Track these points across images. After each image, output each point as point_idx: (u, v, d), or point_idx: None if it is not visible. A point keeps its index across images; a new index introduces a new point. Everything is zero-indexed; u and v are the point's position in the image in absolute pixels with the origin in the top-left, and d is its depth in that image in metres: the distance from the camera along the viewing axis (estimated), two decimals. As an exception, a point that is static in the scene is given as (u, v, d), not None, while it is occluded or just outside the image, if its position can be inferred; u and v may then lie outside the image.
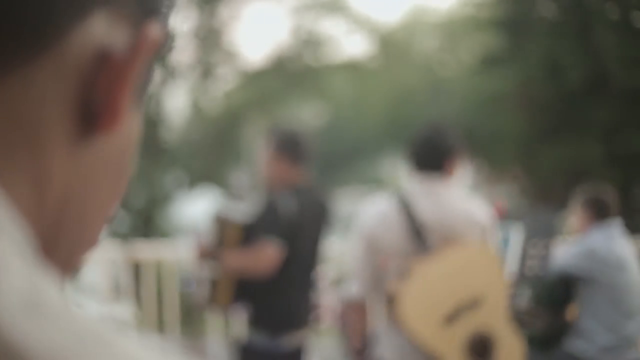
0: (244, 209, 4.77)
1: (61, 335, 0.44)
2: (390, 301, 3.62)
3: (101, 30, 0.51)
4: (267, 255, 4.44)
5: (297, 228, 4.56)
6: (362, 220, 3.84)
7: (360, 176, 51.52)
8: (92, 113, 0.52)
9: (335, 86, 32.05)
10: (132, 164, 0.58)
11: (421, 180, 3.83)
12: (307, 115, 41.65)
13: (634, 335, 5.09)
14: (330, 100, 28.45)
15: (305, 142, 4.74)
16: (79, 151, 0.52)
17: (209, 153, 22.35)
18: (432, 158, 3.83)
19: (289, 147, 4.66)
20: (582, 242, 5.12)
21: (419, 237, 3.69)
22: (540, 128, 24.64)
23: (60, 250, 0.53)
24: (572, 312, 5.26)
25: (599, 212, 5.18)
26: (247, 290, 4.65)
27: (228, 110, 23.12)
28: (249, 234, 4.54)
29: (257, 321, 4.64)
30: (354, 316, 4.00)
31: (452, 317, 3.68)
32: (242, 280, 4.64)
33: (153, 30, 0.54)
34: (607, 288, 5.00)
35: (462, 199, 3.86)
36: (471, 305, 3.72)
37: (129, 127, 0.56)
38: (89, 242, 0.56)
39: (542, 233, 4.66)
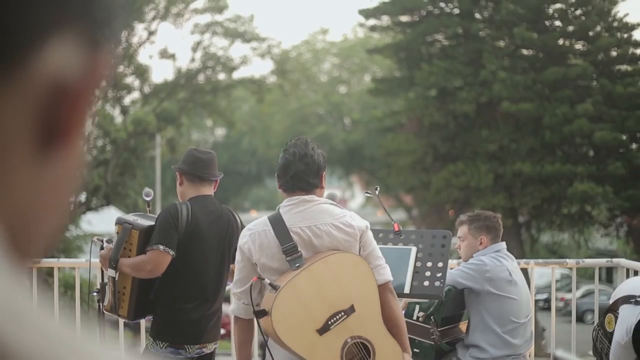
0: (148, 218, 4.87)
1: (40, 340, 0.49)
2: (262, 315, 3.66)
3: (58, 58, 0.53)
4: (151, 260, 4.56)
5: (196, 238, 4.67)
6: (241, 240, 3.90)
7: (259, 201, 51.40)
8: (50, 134, 0.55)
9: (238, 105, 32.09)
10: (75, 189, 0.61)
11: (291, 199, 3.90)
12: (210, 132, 41.52)
13: (523, 346, 5.34)
14: (234, 118, 28.36)
15: (211, 159, 4.91)
16: (38, 166, 0.55)
17: (116, 171, 22.22)
18: (299, 179, 3.88)
19: (195, 164, 4.82)
20: (472, 260, 5.38)
21: (292, 252, 3.75)
22: (433, 152, 25.19)
23: (19, 249, 0.56)
24: (466, 324, 5.50)
25: (487, 235, 5.46)
26: (148, 301, 4.74)
27: (134, 128, 23.00)
28: (149, 239, 4.64)
29: (158, 333, 4.74)
30: (236, 331, 4.05)
31: (326, 327, 3.69)
32: (144, 291, 4.72)
33: (106, 57, 0.58)
34: (497, 301, 5.24)
35: (333, 211, 3.90)
36: (345, 313, 3.73)
37: (80, 147, 0.59)
38: (44, 242, 0.59)
39: (434, 253, 4.84)
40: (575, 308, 7.06)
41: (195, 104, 26.41)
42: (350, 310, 3.75)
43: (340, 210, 3.94)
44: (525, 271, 6.67)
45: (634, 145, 25.82)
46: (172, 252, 4.56)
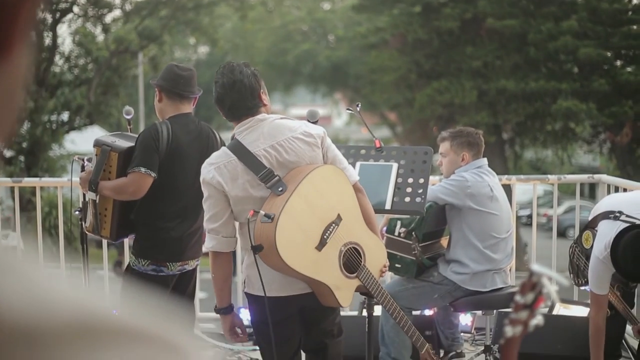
0: (127, 138, 4.83)
1: None
2: (259, 250, 3.66)
3: None
4: (133, 182, 4.55)
5: (177, 158, 4.65)
6: (207, 175, 3.84)
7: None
8: None
9: (221, 22, 31.77)
10: (23, 96, 0.62)
11: (243, 123, 3.90)
12: (193, 51, 41.17)
13: (503, 261, 5.41)
14: (217, 36, 28.10)
15: (191, 76, 4.84)
16: None
17: (98, 90, 22.12)
18: (237, 107, 3.90)
19: (174, 81, 4.77)
20: (454, 177, 5.39)
21: (269, 178, 3.76)
22: (417, 69, 25.07)
23: None
24: (447, 240, 5.54)
25: (469, 151, 5.46)
26: (130, 221, 4.75)
27: (116, 47, 22.81)
28: (129, 161, 4.62)
29: (140, 251, 4.76)
30: (218, 268, 3.96)
31: (323, 242, 3.77)
32: (125, 211, 4.72)
33: None
34: (478, 217, 5.29)
35: (289, 125, 3.92)
36: (335, 224, 3.82)
37: (20, 61, 0.58)
38: None
39: (415, 169, 4.85)
40: (558, 224, 7.12)
41: (177, 22, 26.10)
42: (339, 219, 3.84)
43: (295, 123, 3.96)
44: (508, 187, 6.70)
45: (618, 62, 25.76)
46: (153, 174, 4.55)
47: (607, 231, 5.03)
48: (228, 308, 4.03)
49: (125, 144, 4.72)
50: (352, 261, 3.93)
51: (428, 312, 5.82)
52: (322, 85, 37.20)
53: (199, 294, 9.32)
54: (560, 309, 6.44)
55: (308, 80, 37.18)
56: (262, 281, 3.76)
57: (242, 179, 3.78)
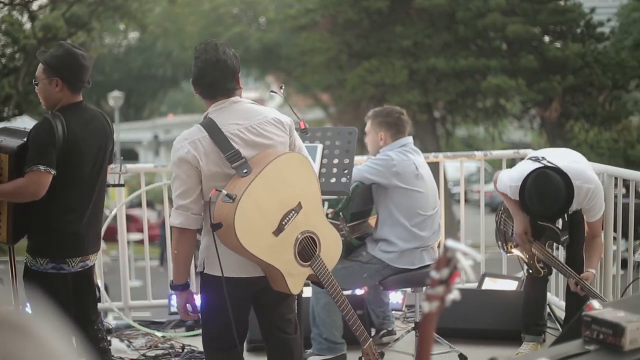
0: (14, 135, 4.54)
1: None
2: (218, 228, 3.69)
3: None
4: (32, 182, 4.29)
5: (74, 151, 4.42)
6: (181, 150, 3.83)
7: (176, 104, 50.86)
8: None
9: (150, 7, 31.42)
10: None
11: (218, 104, 3.92)
12: (123, 37, 40.70)
13: (431, 238, 5.46)
14: (146, 21, 27.78)
15: (82, 63, 4.53)
16: None
17: (27, 79, 21.74)
18: (216, 86, 3.91)
19: (80, 73, 4.51)
20: (379, 156, 5.42)
21: (236, 158, 3.78)
22: (347, 50, 25.12)
23: None
24: (375, 219, 5.57)
25: (386, 131, 5.50)
26: (26, 220, 4.51)
27: (43, 34, 22.44)
28: (22, 160, 4.35)
29: (37, 249, 4.52)
30: (181, 245, 3.95)
31: (280, 227, 3.80)
32: (20, 211, 4.48)
33: None
34: (405, 195, 5.32)
35: (260, 109, 3.97)
36: (295, 211, 3.86)
37: None
38: None
39: (340, 150, 4.86)
40: (491, 200, 7.21)
41: (105, 7, 25.74)
42: (299, 207, 3.87)
43: (265, 108, 4.02)
44: (437, 165, 6.76)
45: (546, 38, 26.10)
46: (53, 171, 4.31)
47: (525, 167, 5.27)
48: (185, 284, 4.03)
49: (13, 142, 4.42)
50: (307, 250, 3.95)
51: (359, 292, 5.85)
52: (254, 68, 37.02)
53: (133, 283, 9.30)
54: (489, 284, 6.53)
55: (240, 64, 36.99)
56: (220, 261, 3.77)
57: (213, 155, 3.80)
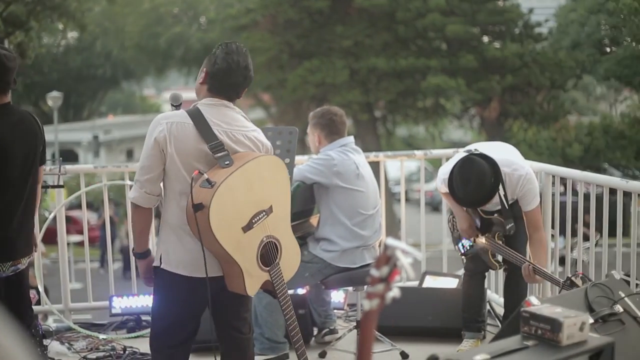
0: None
1: None
2: (198, 209, 3.68)
3: None
4: None
5: (1, 153, 4.33)
6: (157, 127, 3.83)
7: (116, 105, 50.35)
8: None
9: (89, 6, 31.06)
10: None
11: (214, 100, 3.94)
12: (61, 36, 40.17)
13: (372, 237, 5.49)
14: (85, 20, 27.45)
15: (6, 64, 4.43)
16: None
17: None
18: (234, 90, 3.96)
19: (5, 74, 4.40)
20: (320, 155, 5.44)
21: (219, 149, 3.81)
22: (288, 50, 25.11)
23: None
24: (316, 218, 5.58)
25: (321, 132, 5.52)
26: None
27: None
28: None
29: None
30: (136, 219, 3.97)
31: (250, 225, 3.81)
32: None
33: None
34: (346, 194, 5.35)
35: (245, 122, 4.01)
36: (265, 213, 3.88)
37: None
38: None
39: (281, 150, 4.87)
40: (432, 199, 7.25)
41: (44, 7, 25.40)
42: (269, 210, 3.90)
43: (250, 123, 4.04)
44: (377, 164, 6.79)
45: (485, 38, 26.36)
46: None
47: (455, 158, 5.35)
48: (146, 252, 4.06)
49: None
50: (268, 255, 3.96)
51: (301, 291, 5.86)
52: (195, 68, 36.84)
53: (73, 285, 9.20)
54: (430, 281, 6.59)
55: (180, 64, 36.77)
56: (205, 261, 3.79)
57: (187, 142, 3.81)
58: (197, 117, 3.85)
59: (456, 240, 5.76)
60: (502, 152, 5.42)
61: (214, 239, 3.71)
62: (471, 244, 5.60)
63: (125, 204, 6.12)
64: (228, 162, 3.79)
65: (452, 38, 24.57)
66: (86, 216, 6.89)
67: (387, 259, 2.31)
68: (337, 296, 6.36)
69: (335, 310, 6.14)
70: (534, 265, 5.21)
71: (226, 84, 3.94)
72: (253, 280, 3.91)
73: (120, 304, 6.30)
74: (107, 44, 39.09)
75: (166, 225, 3.90)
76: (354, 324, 5.66)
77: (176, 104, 4.14)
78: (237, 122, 3.96)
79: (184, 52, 35.06)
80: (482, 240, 5.53)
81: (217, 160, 3.80)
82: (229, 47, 3.97)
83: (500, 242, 5.51)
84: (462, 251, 5.69)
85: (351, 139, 5.56)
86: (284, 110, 27.95)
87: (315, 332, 5.92)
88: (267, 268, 3.97)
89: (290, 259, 4.11)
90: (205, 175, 3.71)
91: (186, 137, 3.81)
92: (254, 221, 3.83)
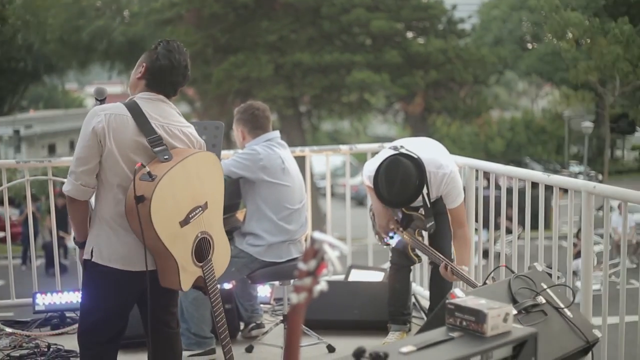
0: None
1: None
2: (139, 201, 3.67)
3: None
4: None
5: None
6: (94, 119, 3.80)
7: (38, 99, 49.50)
8: None
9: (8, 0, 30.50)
10: None
11: (151, 94, 3.94)
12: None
13: (298, 231, 5.49)
14: (6, 13, 26.94)
15: None
16: None
17: None
18: (172, 87, 3.99)
19: None
20: (245, 150, 5.42)
21: (158, 143, 3.81)
22: (213, 44, 24.97)
23: None
24: (243, 213, 5.56)
25: (244, 127, 5.51)
26: None
27: None
28: None
29: None
30: (74, 211, 3.93)
31: (187, 220, 3.84)
32: None
33: None
34: (272, 189, 5.34)
35: (180, 118, 4.04)
36: (201, 208, 3.91)
37: None
38: None
39: (207, 144, 4.84)
40: (358, 193, 7.28)
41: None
42: (205, 206, 3.94)
43: (184, 120, 4.07)
44: (303, 159, 6.79)
45: (409, 34, 26.56)
46: None
47: (381, 155, 5.40)
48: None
49: None
50: (201, 250, 3.99)
51: (227, 286, 5.84)
52: (118, 62, 36.41)
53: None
54: (356, 275, 6.62)
55: (103, 57, 36.27)
56: (145, 254, 3.78)
57: (125, 135, 3.79)
58: (135, 110, 3.85)
59: (379, 233, 5.80)
60: (428, 150, 5.47)
61: (154, 232, 3.71)
62: (392, 235, 5.65)
63: (49, 200, 6.02)
64: (167, 156, 3.80)
65: (376, 33, 24.69)
66: (8, 212, 6.77)
67: (315, 252, 2.31)
68: (263, 290, 6.35)
69: (261, 305, 6.13)
70: (451, 266, 5.29)
71: (167, 81, 3.96)
72: (187, 275, 3.92)
73: (44, 300, 6.20)
74: (28, 37, 38.38)
75: (100, 218, 3.87)
76: (281, 318, 5.66)
77: (101, 98, 4.11)
78: (173, 117, 3.97)
79: (107, 46, 34.59)
80: (403, 234, 5.58)
81: (155, 154, 3.80)
82: (171, 45, 3.99)
83: (420, 238, 5.58)
84: (387, 241, 5.74)
85: (277, 133, 5.55)
86: (209, 104, 27.79)
87: (241, 327, 5.91)
88: (201, 264, 3.99)
89: (221, 255, 4.14)
90: (147, 168, 3.70)
91: (125, 130, 3.80)
92: (190, 216, 3.86)
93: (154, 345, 4.09)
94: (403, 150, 5.36)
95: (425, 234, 5.65)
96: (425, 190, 5.32)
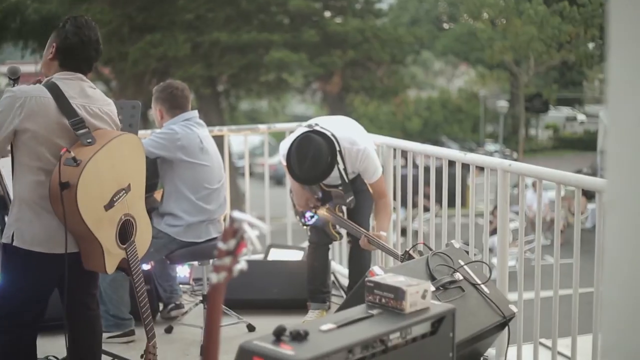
0: None
1: None
2: (64, 187, 3.64)
3: None
4: None
5: None
6: (14, 93, 3.74)
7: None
8: None
9: None
10: None
11: (69, 74, 3.89)
12: None
13: (217, 211, 5.47)
14: None
15: None
16: None
17: None
18: (87, 63, 3.94)
19: None
20: (163, 129, 5.37)
21: (80, 126, 3.76)
22: (129, 23, 24.63)
23: None
24: (160, 193, 5.51)
25: (162, 106, 5.45)
26: None
27: None
28: None
29: None
30: None
31: (111, 203, 3.84)
32: None
33: None
34: (190, 169, 5.31)
35: (101, 96, 4.01)
36: (125, 191, 3.92)
37: None
38: None
39: (124, 124, 4.79)
40: (273, 172, 7.27)
41: None
42: (128, 189, 3.97)
43: (105, 97, 4.04)
44: (222, 138, 6.76)
45: (327, 13, 26.59)
46: None
47: (296, 133, 5.43)
48: None
49: None
50: (125, 232, 4.00)
51: (146, 267, 5.79)
52: (32, 40, 35.66)
53: None
54: (275, 254, 6.63)
55: (16, 36, 35.47)
56: (66, 238, 3.73)
57: (47, 118, 3.74)
58: (56, 92, 3.80)
59: (300, 212, 5.82)
60: (343, 127, 5.50)
61: (79, 217, 3.69)
62: (312, 214, 5.68)
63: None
64: (90, 140, 3.78)
65: (294, 12, 24.67)
66: None
67: (234, 231, 2.31)
68: (182, 271, 6.32)
69: (180, 285, 6.11)
70: (371, 237, 5.34)
71: (80, 58, 3.92)
72: (112, 258, 3.93)
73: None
74: None
75: (20, 200, 3.80)
76: (200, 298, 5.64)
77: (14, 77, 4.05)
78: (94, 96, 3.95)
79: (20, 24, 33.82)
80: (323, 211, 5.61)
81: (78, 137, 3.77)
82: (79, 21, 3.94)
83: (341, 214, 5.62)
84: (305, 221, 5.76)
85: (195, 113, 5.51)
86: (125, 84, 27.40)
87: (161, 308, 5.88)
88: (124, 246, 4.00)
89: (143, 237, 4.16)
90: (72, 153, 3.67)
91: (46, 113, 3.75)
92: (115, 199, 3.87)
93: (74, 327, 4.05)
94: (317, 128, 5.38)
95: (345, 209, 5.69)
96: (341, 166, 5.36)
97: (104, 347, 4.37)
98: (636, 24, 1.22)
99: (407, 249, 4.96)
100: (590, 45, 29.21)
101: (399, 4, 37.62)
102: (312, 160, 5.23)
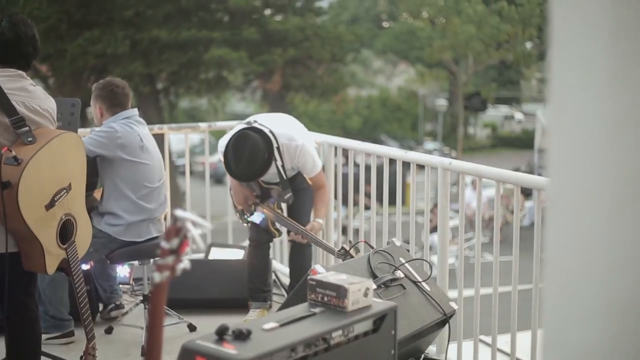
0: None
1: None
2: (5, 187, 3.62)
3: None
4: None
5: None
6: None
7: None
8: None
9: None
10: None
11: (9, 71, 3.88)
12: None
13: (157, 209, 5.43)
14: None
15: None
16: None
17: None
18: (25, 60, 3.94)
19: None
20: (103, 128, 5.31)
21: (21, 125, 3.74)
22: (67, 19, 24.33)
23: None
24: (100, 192, 5.46)
25: (102, 104, 5.41)
26: None
27: None
28: None
29: None
30: None
31: (52, 203, 3.82)
32: None
33: None
34: (130, 167, 5.26)
35: (40, 94, 3.99)
36: (66, 190, 3.90)
37: None
38: None
39: (63, 122, 4.74)
40: (213, 171, 7.24)
41: None
42: (69, 188, 3.95)
43: (45, 94, 4.04)
44: (162, 137, 6.71)
45: (267, 11, 26.54)
46: None
47: (234, 131, 5.45)
48: None
49: None
50: (65, 232, 3.98)
51: (85, 267, 5.73)
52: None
53: None
54: (216, 253, 6.61)
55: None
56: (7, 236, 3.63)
57: None
58: None
59: (239, 210, 5.81)
60: (282, 124, 5.53)
61: (20, 217, 3.67)
62: (252, 212, 5.68)
63: None
64: (31, 138, 3.76)
65: (234, 10, 24.57)
66: None
67: (177, 230, 2.30)
68: (122, 271, 6.27)
69: (120, 285, 6.06)
70: (309, 235, 5.38)
71: (16, 54, 3.91)
72: (52, 258, 3.91)
73: None
74: None
75: None
76: (141, 298, 5.59)
77: None
78: (34, 93, 3.93)
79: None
80: (262, 209, 5.61)
81: (19, 135, 3.75)
82: (14, 18, 3.95)
83: (280, 211, 5.64)
84: (245, 217, 5.76)
85: (135, 111, 5.47)
86: (63, 81, 27.05)
87: (100, 308, 5.82)
88: (65, 246, 3.98)
89: (83, 236, 4.15)
90: (13, 152, 3.64)
91: None
92: (55, 199, 3.85)
93: (12, 328, 4.00)
94: (255, 125, 5.39)
95: (284, 206, 5.71)
96: (279, 163, 5.38)
97: (43, 348, 4.31)
98: (577, 23, 1.24)
99: (343, 245, 4.99)
100: (528, 45, 29.62)
101: (339, 2, 37.73)
102: (249, 157, 5.24)
